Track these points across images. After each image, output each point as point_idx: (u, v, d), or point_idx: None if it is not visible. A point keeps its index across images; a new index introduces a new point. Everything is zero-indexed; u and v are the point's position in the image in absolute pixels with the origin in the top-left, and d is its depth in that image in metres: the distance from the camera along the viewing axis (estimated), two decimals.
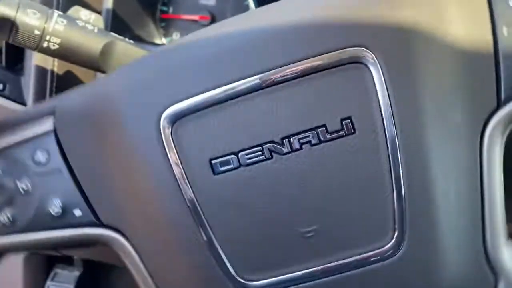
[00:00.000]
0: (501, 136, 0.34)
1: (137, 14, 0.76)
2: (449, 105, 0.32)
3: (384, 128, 0.31)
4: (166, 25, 0.79)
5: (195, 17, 0.78)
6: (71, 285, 0.98)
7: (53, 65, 0.56)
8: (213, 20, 0.78)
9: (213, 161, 0.33)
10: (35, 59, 0.55)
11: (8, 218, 0.36)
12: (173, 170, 0.33)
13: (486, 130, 0.33)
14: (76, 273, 1.01)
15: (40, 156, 0.36)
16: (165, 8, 0.79)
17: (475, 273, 0.34)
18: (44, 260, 0.97)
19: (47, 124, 0.37)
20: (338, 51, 0.31)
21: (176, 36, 0.79)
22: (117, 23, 0.70)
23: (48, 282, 0.95)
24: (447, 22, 0.33)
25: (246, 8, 0.79)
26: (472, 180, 0.33)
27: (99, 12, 0.68)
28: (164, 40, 0.78)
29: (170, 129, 0.33)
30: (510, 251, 0.34)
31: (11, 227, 0.36)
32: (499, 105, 0.34)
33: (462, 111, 0.33)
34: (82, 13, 0.44)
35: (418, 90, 0.31)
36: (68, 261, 1.01)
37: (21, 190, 0.36)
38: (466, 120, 0.33)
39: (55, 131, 0.37)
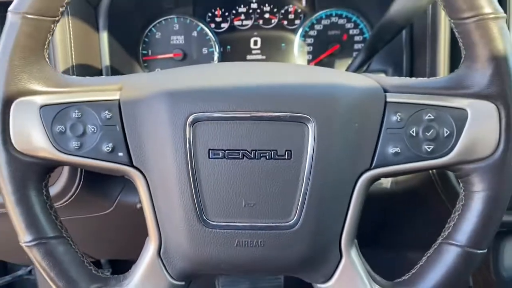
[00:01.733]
0: (365, 186, 0.56)
1: (126, 61, 0.95)
2: (343, 158, 0.54)
3: (306, 162, 0.53)
4: (148, 64, 0.98)
5: (170, 55, 0.97)
6: None
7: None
8: (184, 55, 0.97)
9: (210, 150, 0.54)
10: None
11: (78, 144, 0.54)
12: (186, 150, 0.53)
13: (359, 180, 0.55)
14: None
15: (106, 114, 0.55)
16: (145, 52, 0.98)
17: (331, 249, 0.56)
18: None
19: (115, 96, 0.56)
20: (293, 113, 0.53)
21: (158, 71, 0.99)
22: (114, 72, 0.89)
23: None
24: (357, 115, 0.54)
25: (208, 40, 0.98)
26: (344, 203, 0.56)
27: (100, 68, 0.88)
28: None
29: (191, 127, 0.53)
30: (352, 244, 0.57)
31: (78, 151, 0.55)
32: (370, 168, 0.55)
33: (349, 164, 0.55)
34: None
35: (331, 147, 0.53)
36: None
37: (89, 130, 0.55)
38: (349, 170, 0.55)
39: (119, 102, 0.56)
